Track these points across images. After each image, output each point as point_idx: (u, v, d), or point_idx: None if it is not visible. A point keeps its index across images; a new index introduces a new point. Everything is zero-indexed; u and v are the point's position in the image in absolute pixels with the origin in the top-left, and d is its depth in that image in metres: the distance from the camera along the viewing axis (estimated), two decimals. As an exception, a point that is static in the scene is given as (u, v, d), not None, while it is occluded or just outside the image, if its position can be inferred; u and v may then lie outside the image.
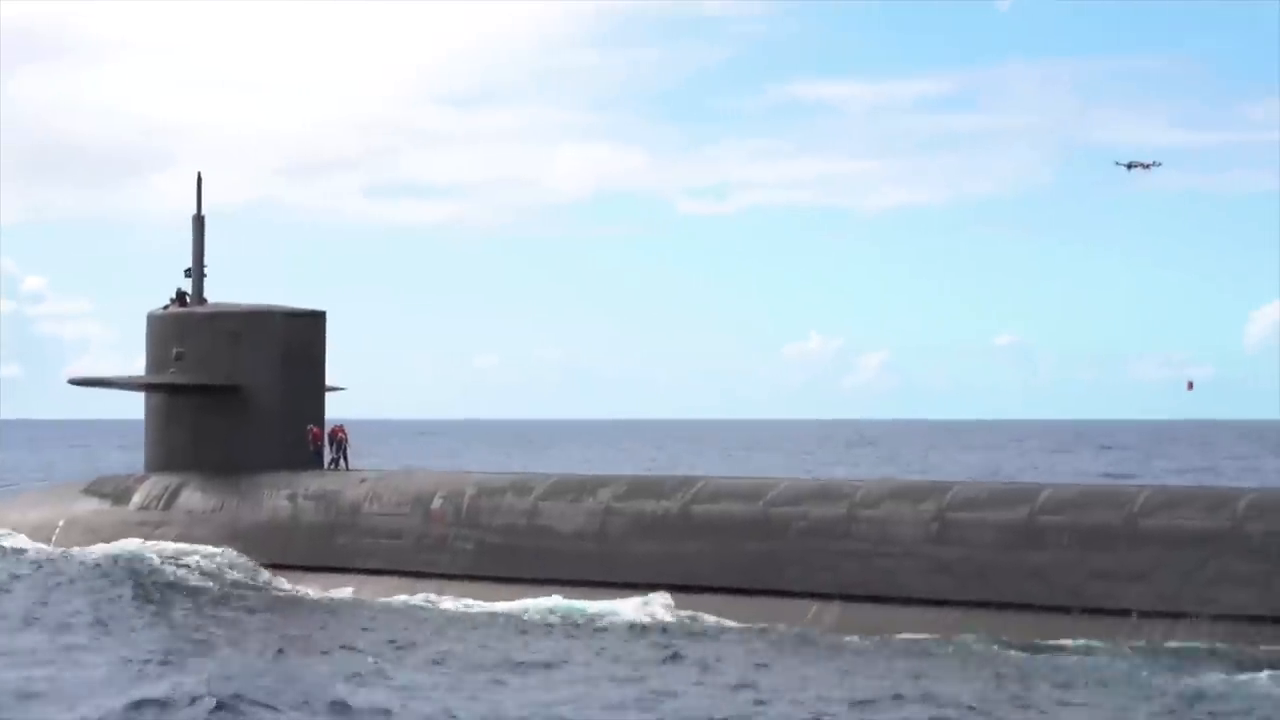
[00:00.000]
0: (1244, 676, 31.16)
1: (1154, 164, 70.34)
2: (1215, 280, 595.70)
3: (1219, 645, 33.89)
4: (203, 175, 55.68)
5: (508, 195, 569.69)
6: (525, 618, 40.15)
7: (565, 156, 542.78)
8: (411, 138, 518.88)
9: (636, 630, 38.01)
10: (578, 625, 39.10)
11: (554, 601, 41.76)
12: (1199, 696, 29.42)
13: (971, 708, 28.37)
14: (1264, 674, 31.33)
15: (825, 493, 42.41)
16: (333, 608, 42.64)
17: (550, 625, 39.11)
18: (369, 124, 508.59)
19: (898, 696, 29.49)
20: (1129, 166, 69.68)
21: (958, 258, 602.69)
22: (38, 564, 48.91)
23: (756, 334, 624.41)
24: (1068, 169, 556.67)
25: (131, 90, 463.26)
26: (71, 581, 45.20)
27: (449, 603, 42.91)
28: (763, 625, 38.34)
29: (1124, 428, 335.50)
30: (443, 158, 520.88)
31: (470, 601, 42.71)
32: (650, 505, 43.53)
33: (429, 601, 43.20)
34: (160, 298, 55.14)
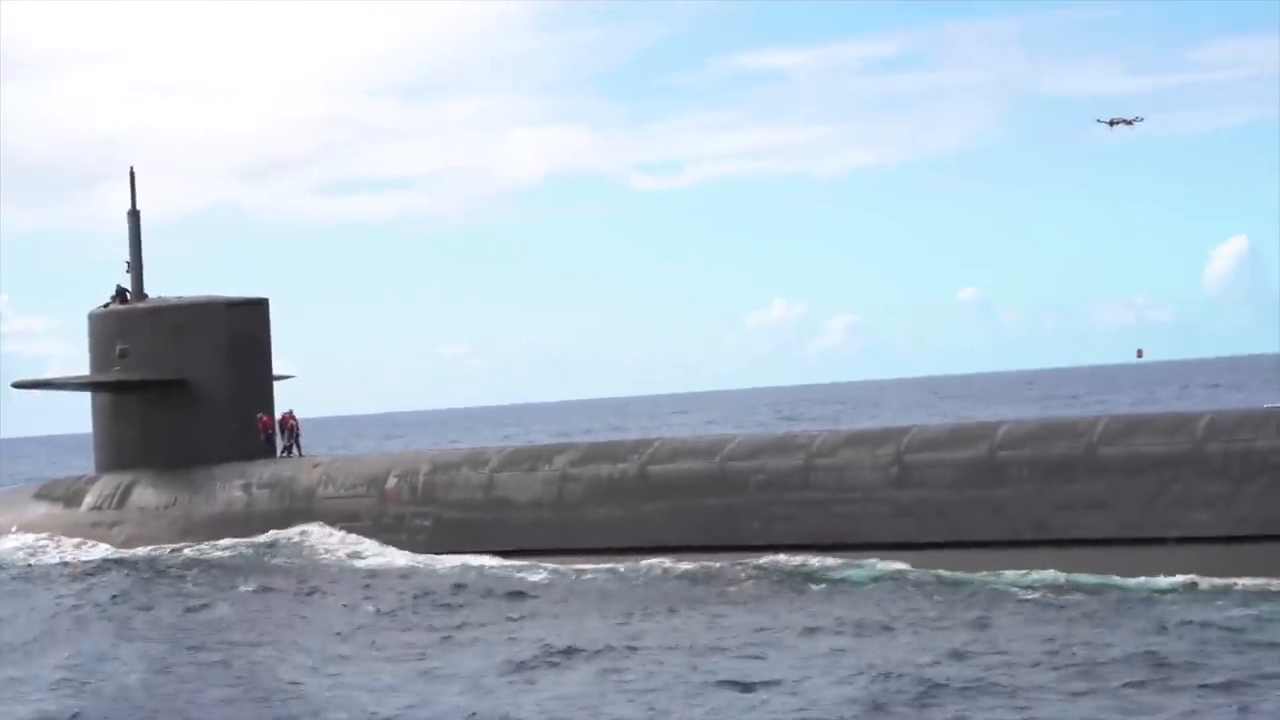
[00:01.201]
0: (1210, 601, 30.78)
1: (1136, 119, 69.43)
2: (1172, 223, 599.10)
3: (1183, 569, 33.42)
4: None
5: (461, 184, 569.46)
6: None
7: (516, 142, 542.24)
8: (361, 133, 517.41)
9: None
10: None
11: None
12: (1164, 625, 28.91)
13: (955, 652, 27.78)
14: (1230, 597, 31.00)
15: (782, 445, 41.86)
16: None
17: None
18: (318, 121, 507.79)
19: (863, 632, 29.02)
20: (1111, 123, 68.74)
21: (916, 216, 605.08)
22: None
23: (719, 305, 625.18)
24: (1020, 121, 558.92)
25: (76, 102, 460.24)
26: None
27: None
28: (728, 580, 37.56)
29: (1095, 373, 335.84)
30: (394, 151, 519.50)
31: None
32: (607, 469, 42.95)
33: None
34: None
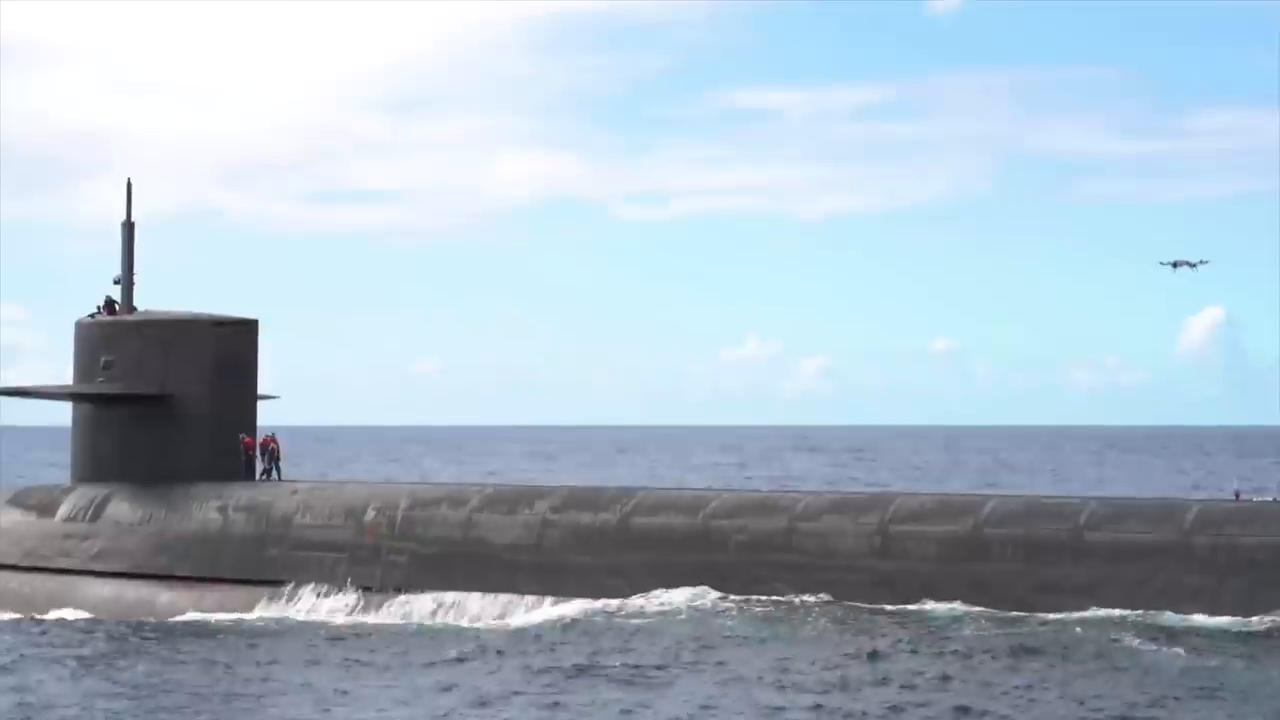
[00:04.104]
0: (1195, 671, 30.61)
1: (1200, 262, 70.70)
2: (1150, 288, 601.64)
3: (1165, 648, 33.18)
4: (133, 181, 54.34)
5: (447, 201, 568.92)
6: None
7: (505, 163, 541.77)
8: (350, 143, 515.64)
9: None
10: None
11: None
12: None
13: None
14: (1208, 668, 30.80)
15: (765, 505, 41.73)
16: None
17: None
18: (307, 129, 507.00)
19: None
20: (1174, 265, 70.08)
21: (895, 263, 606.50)
22: None
23: (694, 338, 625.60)
24: (1006, 176, 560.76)
25: (62, 95, 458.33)
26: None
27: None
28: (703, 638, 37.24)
29: (1073, 434, 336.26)
30: (382, 164, 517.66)
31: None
32: (588, 518, 42.75)
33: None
34: (91, 305, 53.87)
